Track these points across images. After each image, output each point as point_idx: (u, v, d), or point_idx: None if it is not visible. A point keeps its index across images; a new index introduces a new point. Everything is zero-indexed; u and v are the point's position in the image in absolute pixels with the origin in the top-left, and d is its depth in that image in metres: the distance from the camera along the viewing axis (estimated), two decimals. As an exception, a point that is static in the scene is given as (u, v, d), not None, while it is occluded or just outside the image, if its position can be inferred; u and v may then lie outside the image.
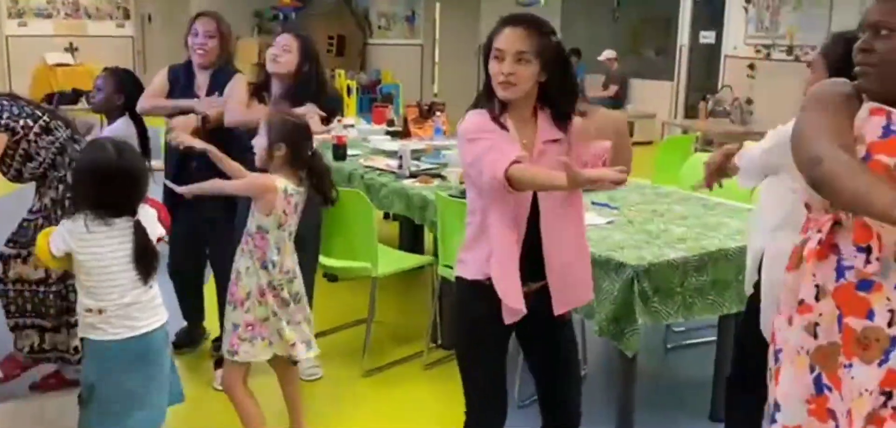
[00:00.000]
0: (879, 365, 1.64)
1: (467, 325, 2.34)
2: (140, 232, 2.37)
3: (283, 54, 3.43)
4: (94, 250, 2.34)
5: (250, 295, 2.80)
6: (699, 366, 3.68)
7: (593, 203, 3.65)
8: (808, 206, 1.82)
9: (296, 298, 2.88)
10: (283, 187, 2.77)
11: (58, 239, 2.35)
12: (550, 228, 2.23)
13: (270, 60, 3.47)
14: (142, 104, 3.66)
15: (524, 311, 2.22)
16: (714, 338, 3.49)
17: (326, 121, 3.48)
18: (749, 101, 9.71)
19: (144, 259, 2.38)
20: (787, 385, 1.74)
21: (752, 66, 9.76)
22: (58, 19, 13.05)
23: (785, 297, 1.81)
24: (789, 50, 9.16)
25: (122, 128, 3.86)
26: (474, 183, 2.22)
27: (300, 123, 2.89)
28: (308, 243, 3.31)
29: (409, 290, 4.65)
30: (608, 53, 11.10)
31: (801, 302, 1.73)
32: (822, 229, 1.71)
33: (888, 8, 1.65)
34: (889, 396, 1.65)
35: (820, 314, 1.71)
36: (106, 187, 2.35)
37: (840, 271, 1.68)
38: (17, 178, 3.27)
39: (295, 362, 2.98)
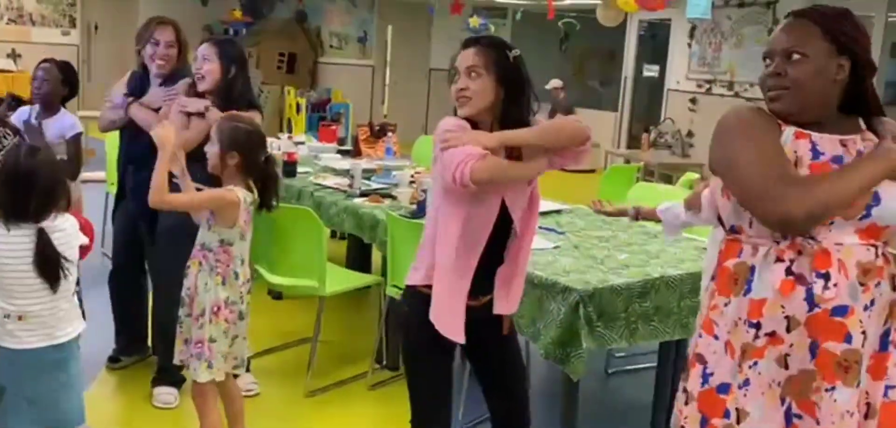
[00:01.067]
0: (857, 386, 1.69)
1: (414, 331, 2.33)
2: (41, 239, 2.30)
3: (204, 64, 3.30)
4: (3, 254, 2.30)
5: (205, 312, 2.73)
6: (639, 391, 3.74)
7: (540, 228, 3.68)
8: (734, 229, 1.81)
9: (247, 311, 2.84)
10: (242, 197, 2.73)
11: None
12: (519, 248, 2.27)
13: (196, 77, 3.35)
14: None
15: (461, 340, 2.23)
16: (653, 364, 3.55)
17: None
18: (690, 134, 9.94)
19: (46, 266, 2.31)
20: (758, 420, 1.72)
21: (693, 100, 10.00)
22: (1, 25, 12.70)
23: (721, 319, 1.80)
24: (730, 85, 9.42)
25: (68, 120, 3.83)
26: (442, 185, 2.22)
27: (253, 130, 2.85)
28: None
29: (355, 309, 4.62)
30: (555, 82, 11.26)
31: (773, 334, 1.72)
32: (784, 258, 1.71)
33: (798, 34, 1.72)
34: (866, 415, 1.72)
35: (791, 345, 1.71)
36: (6, 190, 2.32)
37: (810, 302, 1.69)
38: None
39: (236, 377, 2.94)
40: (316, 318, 3.80)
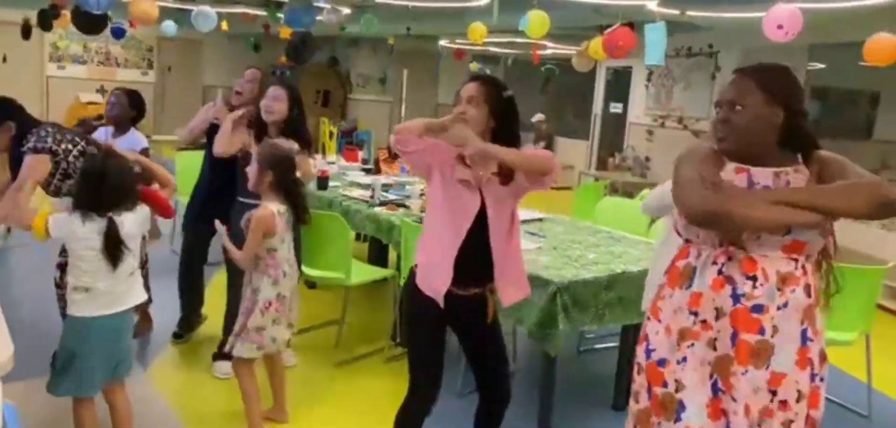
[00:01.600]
0: (766, 369, 1.71)
1: (407, 302, 2.35)
2: (110, 227, 2.32)
3: (274, 103, 3.24)
4: (80, 239, 2.32)
5: (257, 307, 2.74)
6: (605, 365, 3.70)
7: (526, 232, 3.65)
8: (688, 239, 1.85)
9: (293, 295, 2.85)
10: (276, 209, 2.72)
11: (54, 225, 2.35)
12: (497, 239, 2.23)
13: (265, 111, 3.24)
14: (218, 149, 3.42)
15: (441, 305, 2.21)
16: (617, 344, 3.52)
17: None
18: (647, 159, 9.91)
19: (110, 250, 2.32)
20: (692, 390, 1.75)
21: (650, 132, 9.97)
22: (92, 66, 12.73)
23: (666, 306, 1.82)
24: (679, 120, 9.39)
25: (138, 139, 3.84)
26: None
27: (286, 154, 2.85)
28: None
29: (374, 297, 4.59)
30: (539, 116, 11.35)
31: (704, 321, 1.75)
32: (718, 262, 1.74)
33: (739, 89, 1.74)
34: (775, 393, 1.72)
35: (718, 331, 1.74)
36: (84, 186, 2.37)
37: (735, 298, 1.71)
38: (57, 193, 3.14)
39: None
40: (342, 304, 3.79)
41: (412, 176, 5.11)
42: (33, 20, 8.63)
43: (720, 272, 1.73)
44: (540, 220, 4.09)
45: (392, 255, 4.62)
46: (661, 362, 1.80)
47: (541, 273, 2.93)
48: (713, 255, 1.75)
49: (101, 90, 12.51)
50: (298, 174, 2.94)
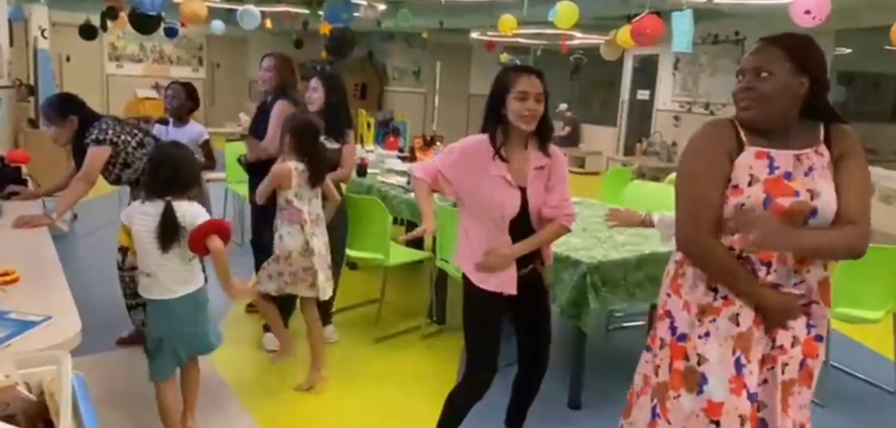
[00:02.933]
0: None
1: (470, 301, 2.31)
2: (167, 211, 2.29)
3: (313, 94, 3.38)
4: (139, 219, 2.33)
5: (291, 253, 2.86)
6: (634, 343, 3.66)
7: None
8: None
9: (323, 247, 2.95)
10: (294, 166, 2.85)
11: (126, 220, 2.38)
12: (535, 216, 2.24)
13: (307, 102, 3.42)
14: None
15: (515, 292, 2.23)
16: (644, 322, 3.47)
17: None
18: (674, 144, 9.72)
19: (163, 234, 2.28)
20: (715, 365, 1.70)
21: (677, 118, 9.78)
22: (147, 63, 13.01)
23: (685, 283, 1.77)
24: (706, 106, 9.19)
25: (197, 129, 3.91)
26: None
27: (306, 123, 2.95)
28: (337, 240, 3.30)
29: (411, 278, 4.61)
30: (563, 106, 11.31)
31: (725, 297, 1.71)
32: (734, 247, 1.71)
33: (766, 56, 1.65)
34: (773, 340, 1.72)
35: (740, 307, 1.70)
36: (149, 171, 2.39)
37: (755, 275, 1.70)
38: (117, 181, 3.23)
39: (318, 302, 3.03)
40: (381, 283, 3.81)
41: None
42: (94, 22, 8.84)
43: (740, 256, 1.69)
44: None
45: (427, 237, 4.61)
46: (682, 337, 1.76)
47: (571, 254, 2.90)
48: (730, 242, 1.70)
49: (157, 86, 12.79)
50: (340, 169, 3.15)
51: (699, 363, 1.73)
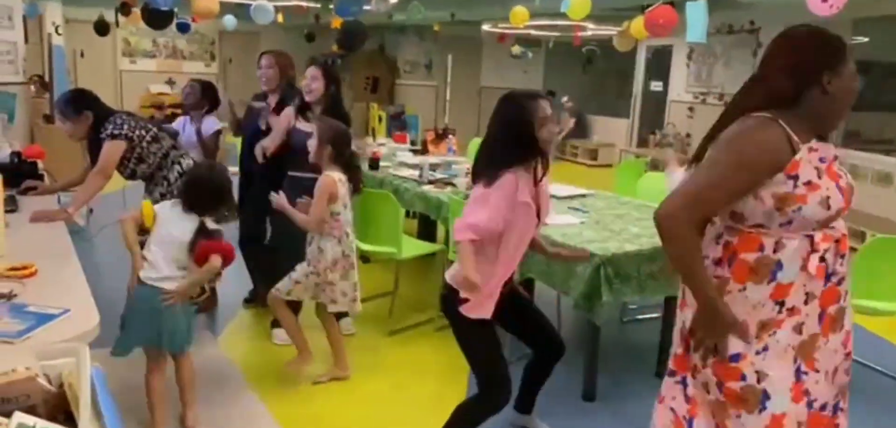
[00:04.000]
0: (841, 330, 1.70)
1: (457, 326, 2.32)
2: (200, 229, 2.44)
3: (313, 83, 3.36)
4: (175, 226, 2.43)
5: (337, 263, 2.87)
6: (647, 335, 3.65)
7: (569, 208, 3.62)
8: (760, 225, 1.64)
9: (356, 261, 2.98)
10: (338, 177, 2.82)
11: (160, 210, 2.47)
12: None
13: (306, 92, 3.39)
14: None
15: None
16: (659, 314, 3.46)
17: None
18: (688, 136, 9.64)
19: (192, 246, 2.43)
20: (776, 379, 1.63)
21: (691, 109, 9.69)
22: (160, 59, 13.08)
23: (739, 303, 1.66)
24: (720, 97, 9.09)
25: (214, 123, 3.96)
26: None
27: (343, 130, 2.94)
28: None
29: (424, 270, 4.62)
30: (565, 98, 11.23)
31: (792, 308, 1.63)
32: (819, 249, 1.61)
33: None
34: (848, 354, 1.73)
35: (806, 315, 1.64)
36: (188, 188, 2.50)
37: (827, 279, 1.64)
38: (132, 176, 3.26)
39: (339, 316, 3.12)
40: (394, 276, 3.82)
41: (457, 156, 5.10)
42: (108, 17, 8.90)
43: (823, 259, 1.61)
44: (583, 196, 4.03)
45: (439, 230, 4.63)
46: (736, 358, 1.66)
47: (584, 246, 2.89)
48: (806, 245, 1.60)
49: (170, 82, 12.87)
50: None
51: (759, 380, 1.64)
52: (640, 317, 4.08)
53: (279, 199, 2.84)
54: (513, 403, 2.64)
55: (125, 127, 3.11)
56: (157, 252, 2.42)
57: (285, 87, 3.62)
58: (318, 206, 2.80)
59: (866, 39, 8.31)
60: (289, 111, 3.46)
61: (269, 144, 3.40)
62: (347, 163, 2.89)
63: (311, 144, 2.86)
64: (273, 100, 3.64)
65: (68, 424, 1.31)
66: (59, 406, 1.38)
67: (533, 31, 10.41)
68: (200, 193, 2.47)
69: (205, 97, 4.05)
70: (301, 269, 2.91)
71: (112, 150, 3.07)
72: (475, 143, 6.54)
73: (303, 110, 3.41)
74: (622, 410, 2.98)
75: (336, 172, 2.82)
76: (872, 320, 3.55)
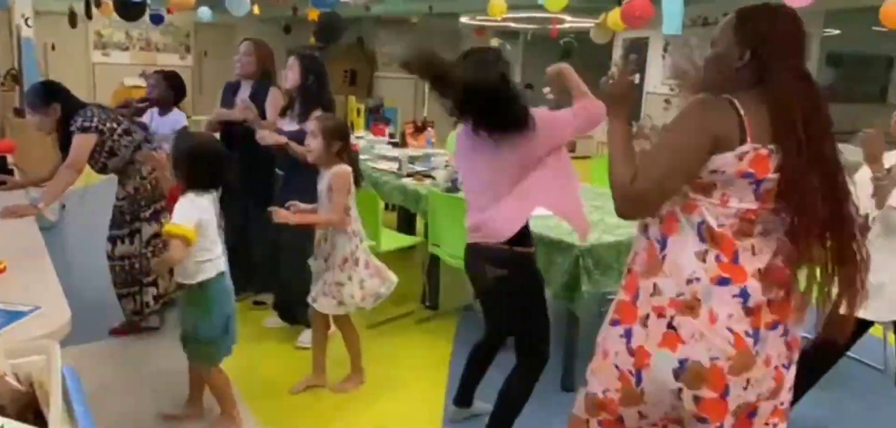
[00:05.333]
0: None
1: (535, 282, 2.38)
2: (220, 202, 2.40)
3: (288, 72, 3.30)
4: (205, 212, 2.32)
5: (336, 263, 2.76)
6: (626, 325, 3.67)
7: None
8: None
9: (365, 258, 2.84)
10: (349, 171, 2.74)
11: (189, 212, 2.27)
12: None
13: (282, 79, 3.35)
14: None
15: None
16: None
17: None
18: (665, 127, 9.74)
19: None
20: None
21: (667, 101, 9.78)
22: (134, 51, 12.85)
23: None
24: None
25: (179, 118, 3.87)
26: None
27: (343, 123, 2.87)
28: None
29: (403, 264, 4.56)
30: (547, 90, 11.22)
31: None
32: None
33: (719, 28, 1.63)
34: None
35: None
36: (205, 166, 2.35)
37: None
38: (103, 170, 3.19)
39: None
40: (374, 270, 3.78)
41: (437, 149, 5.07)
42: (79, 9, 8.70)
43: None
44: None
45: (419, 223, 4.61)
46: None
47: (564, 238, 2.89)
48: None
49: (144, 75, 12.64)
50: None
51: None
52: (619, 307, 4.10)
53: (284, 214, 2.63)
54: (453, 400, 2.71)
55: (95, 119, 3.04)
56: (217, 242, 2.39)
57: (261, 79, 3.54)
58: (340, 197, 2.68)
59: (838, 32, 8.44)
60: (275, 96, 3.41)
61: (267, 137, 3.26)
62: (350, 156, 2.81)
63: (315, 143, 2.72)
64: (246, 89, 3.56)
65: (38, 424, 1.27)
66: (29, 406, 1.34)
67: (511, 24, 10.42)
68: (210, 166, 2.36)
69: (170, 89, 3.94)
70: (330, 275, 2.76)
71: (82, 143, 3.00)
72: (453, 135, 6.53)
73: (285, 107, 3.34)
74: (601, 399, 2.99)
75: (345, 165, 2.72)
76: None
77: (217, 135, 3.47)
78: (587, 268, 2.79)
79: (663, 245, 1.59)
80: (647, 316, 1.58)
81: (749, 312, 1.50)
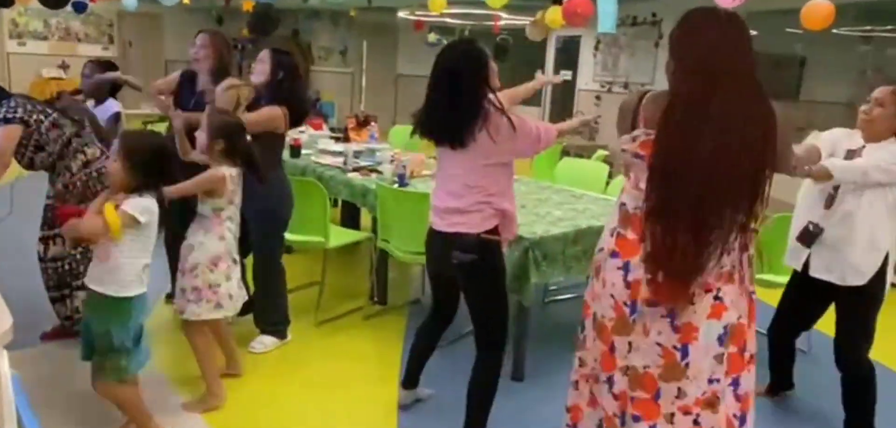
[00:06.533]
0: None
1: (498, 264, 2.38)
2: (161, 199, 2.24)
3: (259, 65, 3.19)
4: (154, 215, 2.20)
5: (199, 265, 2.60)
6: (570, 313, 3.77)
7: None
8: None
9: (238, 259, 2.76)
10: (229, 173, 2.61)
11: (141, 210, 2.15)
12: None
13: (253, 75, 3.21)
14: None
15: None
16: (577, 295, 3.56)
17: (297, 122, 3.30)
18: (596, 122, 10.00)
19: (162, 221, 2.27)
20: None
21: (598, 97, 10.06)
22: (52, 41, 12.10)
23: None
24: (625, 86, 9.49)
25: (114, 106, 3.71)
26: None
27: (235, 122, 2.72)
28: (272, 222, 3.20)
29: (348, 259, 4.55)
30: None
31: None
32: None
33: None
34: None
35: None
36: (156, 164, 2.23)
37: None
38: (30, 165, 2.99)
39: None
40: (321, 266, 3.73)
41: (380, 143, 5.04)
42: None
43: None
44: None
45: (365, 218, 4.57)
46: None
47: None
48: None
49: (64, 66, 11.94)
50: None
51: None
52: (560, 297, 4.21)
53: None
54: (401, 382, 2.76)
55: (19, 110, 2.86)
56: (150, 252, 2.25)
57: (218, 72, 3.36)
58: (191, 186, 2.54)
59: (755, 33, 8.88)
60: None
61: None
62: (245, 153, 2.66)
63: (200, 138, 2.62)
64: (202, 82, 3.39)
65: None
66: (-26, 417, 1.26)
67: (449, 20, 10.45)
68: (167, 164, 2.25)
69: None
70: (188, 280, 2.61)
71: (6, 135, 2.81)
72: (396, 130, 6.50)
73: (252, 104, 3.16)
74: (550, 386, 3.07)
75: (226, 168, 2.60)
76: (772, 293, 3.83)
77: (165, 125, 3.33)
78: (536, 259, 2.85)
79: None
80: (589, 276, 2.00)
81: (628, 284, 1.76)
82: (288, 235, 3.64)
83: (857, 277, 2.49)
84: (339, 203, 4.85)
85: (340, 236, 3.82)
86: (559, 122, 9.49)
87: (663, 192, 1.62)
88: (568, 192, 3.95)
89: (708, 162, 1.56)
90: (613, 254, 1.81)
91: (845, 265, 2.50)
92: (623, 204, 1.83)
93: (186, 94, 3.36)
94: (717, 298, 1.69)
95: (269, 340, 3.28)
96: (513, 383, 3.06)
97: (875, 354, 2.63)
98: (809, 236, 2.58)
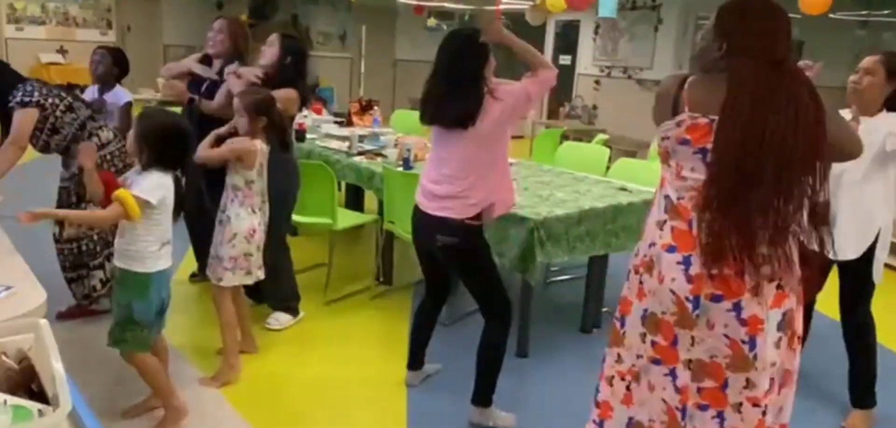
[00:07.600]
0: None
1: (481, 244, 2.48)
2: (177, 182, 2.30)
3: (267, 48, 3.24)
4: (168, 193, 2.26)
5: (237, 235, 2.73)
6: (571, 294, 3.85)
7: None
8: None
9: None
10: (260, 147, 2.73)
11: (154, 189, 2.20)
12: None
13: (261, 55, 3.26)
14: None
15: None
16: (575, 276, 3.63)
17: (300, 106, 3.36)
18: (594, 107, 10.05)
19: (177, 201, 2.31)
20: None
21: (597, 82, 10.10)
22: (50, 26, 12.05)
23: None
24: (624, 70, 9.53)
25: (123, 94, 3.76)
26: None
27: (268, 95, 2.83)
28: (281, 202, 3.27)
29: (355, 241, 4.62)
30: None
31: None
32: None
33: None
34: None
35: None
36: (172, 144, 2.28)
37: None
38: (45, 149, 3.05)
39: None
40: (328, 247, 3.81)
41: (384, 128, 5.10)
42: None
43: None
44: (510, 164, 4.16)
45: (369, 201, 4.64)
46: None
47: (517, 211, 3.00)
48: None
49: (62, 51, 11.92)
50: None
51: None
52: (562, 278, 4.30)
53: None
54: (407, 365, 2.84)
55: (36, 94, 2.91)
56: (170, 228, 2.30)
57: (233, 58, 3.40)
58: (226, 151, 2.67)
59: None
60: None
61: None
62: (278, 126, 2.81)
63: (241, 123, 2.71)
64: (217, 67, 3.44)
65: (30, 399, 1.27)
66: (21, 384, 1.33)
67: (448, 4, 10.46)
68: (179, 145, 2.29)
69: (115, 65, 3.82)
70: (227, 249, 2.73)
71: (24, 118, 2.87)
72: (399, 114, 6.55)
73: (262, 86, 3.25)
74: (553, 363, 3.16)
75: (259, 142, 2.72)
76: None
77: (179, 109, 3.39)
78: (541, 239, 2.92)
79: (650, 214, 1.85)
80: (629, 271, 1.84)
81: (690, 279, 1.67)
82: (294, 217, 3.72)
83: (852, 251, 2.56)
84: (343, 186, 4.92)
85: (348, 218, 3.89)
86: (557, 107, 9.56)
87: (731, 185, 1.57)
88: (569, 174, 4.02)
89: (779, 152, 1.55)
90: (670, 248, 1.69)
91: (841, 238, 2.53)
92: (667, 195, 1.72)
93: (199, 77, 3.43)
94: (779, 287, 1.68)
95: (284, 317, 3.35)
96: (518, 359, 3.15)
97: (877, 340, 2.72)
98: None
